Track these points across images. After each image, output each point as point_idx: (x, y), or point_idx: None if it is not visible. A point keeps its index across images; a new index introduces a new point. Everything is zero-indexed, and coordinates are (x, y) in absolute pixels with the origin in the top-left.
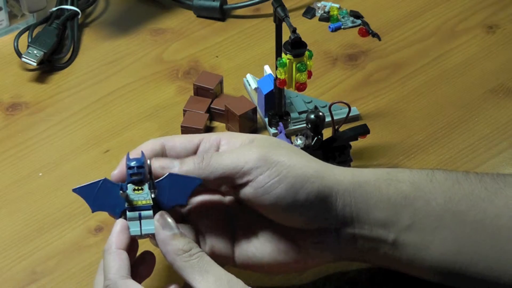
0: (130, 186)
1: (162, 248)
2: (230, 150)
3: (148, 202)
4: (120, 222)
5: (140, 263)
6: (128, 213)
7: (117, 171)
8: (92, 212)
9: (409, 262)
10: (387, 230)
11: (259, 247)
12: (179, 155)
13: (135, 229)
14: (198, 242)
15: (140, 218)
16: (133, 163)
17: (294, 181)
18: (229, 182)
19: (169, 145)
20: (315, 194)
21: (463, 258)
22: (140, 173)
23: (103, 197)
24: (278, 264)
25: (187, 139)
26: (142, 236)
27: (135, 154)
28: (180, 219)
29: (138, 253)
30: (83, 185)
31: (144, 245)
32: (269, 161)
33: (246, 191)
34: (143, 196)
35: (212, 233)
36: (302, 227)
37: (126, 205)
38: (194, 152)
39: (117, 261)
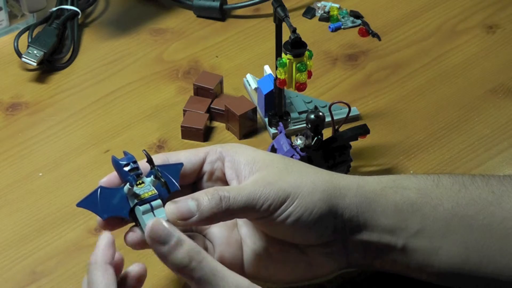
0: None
1: (164, 262)
2: (244, 187)
3: (153, 193)
4: (105, 235)
5: (129, 276)
6: (141, 207)
7: (106, 179)
8: (103, 219)
9: (418, 267)
10: (395, 236)
11: (268, 258)
12: (184, 169)
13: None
14: (206, 250)
15: (152, 209)
16: (125, 161)
17: (304, 209)
18: (243, 218)
19: (173, 159)
20: (322, 217)
21: (472, 262)
22: (137, 167)
23: (107, 203)
24: (287, 274)
25: (192, 153)
26: None
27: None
28: (189, 228)
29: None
30: (83, 198)
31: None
32: (281, 196)
33: (257, 222)
34: (147, 188)
35: (221, 242)
36: (312, 243)
37: (134, 202)
38: (200, 165)
39: (104, 277)
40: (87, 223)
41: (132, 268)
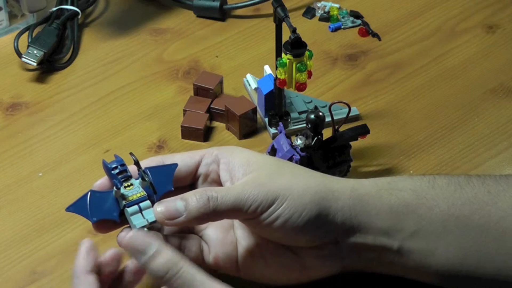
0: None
1: (147, 272)
2: (233, 188)
3: (142, 194)
4: (85, 242)
5: (126, 270)
6: (129, 209)
7: (100, 182)
8: (93, 223)
9: (415, 268)
10: (391, 238)
11: (262, 259)
12: (180, 171)
13: (140, 221)
14: (202, 251)
15: (140, 210)
16: (114, 164)
17: (292, 212)
18: (231, 218)
19: (168, 161)
20: (312, 219)
21: (469, 262)
22: (125, 170)
23: (97, 206)
24: (281, 276)
25: (188, 155)
26: (148, 226)
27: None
28: (186, 229)
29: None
30: (73, 202)
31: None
32: (270, 198)
33: (246, 223)
34: (136, 190)
35: (216, 243)
36: (303, 246)
37: (122, 204)
38: (195, 168)
39: (83, 286)
40: (87, 223)
41: (131, 262)
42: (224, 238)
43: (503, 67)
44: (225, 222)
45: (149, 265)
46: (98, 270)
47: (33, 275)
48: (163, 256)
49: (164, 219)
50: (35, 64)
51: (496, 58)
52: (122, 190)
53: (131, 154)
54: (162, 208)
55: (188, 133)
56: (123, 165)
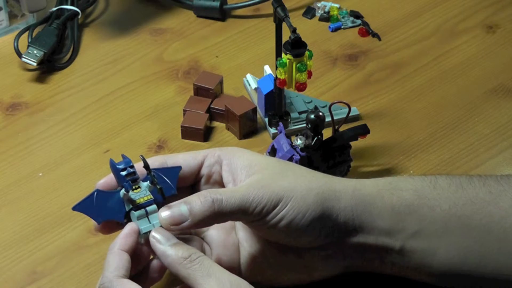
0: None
1: (164, 261)
2: (238, 190)
3: (149, 198)
4: (130, 225)
5: (151, 267)
6: (135, 213)
7: (103, 181)
8: (98, 224)
9: (417, 268)
10: (393, 238)
11: (264, 261)
12: (182, 172)
13: (146, 225)
14: (204, 252)
15: (147, 214)
16: (122, 166)
17: (296, 212)
18: (236, 220)
19: (171, 162)
20: (315, 220)
21: (470, 262)
22: (134, 172)
23: (103, 207)
24: (284, 278)
25: (190, 156)
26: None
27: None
28: (188, 231)
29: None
30: (79, 201)
31: None
32: (274, 199)
33: (250, 225)
34: (143, 193)
35: (218, 245)
36: (306, 246)
37: (128, 207)
38: (198, 168)
39: (116, 261)
40: (87, 223)
41: (156, 261)
42: (226, 239)
43: (503, 67)
44: (227, 223)
45: (170, 251)
46: (132, 255)
47: (33, 275)
48: (183, 245)
49: (169, 226)
50: (35, 64)
51: (496, 58)
52: (130, 193)
53: (141, 156)
54: (166, 214)
55: (188, 133)
56: (132, 166)
